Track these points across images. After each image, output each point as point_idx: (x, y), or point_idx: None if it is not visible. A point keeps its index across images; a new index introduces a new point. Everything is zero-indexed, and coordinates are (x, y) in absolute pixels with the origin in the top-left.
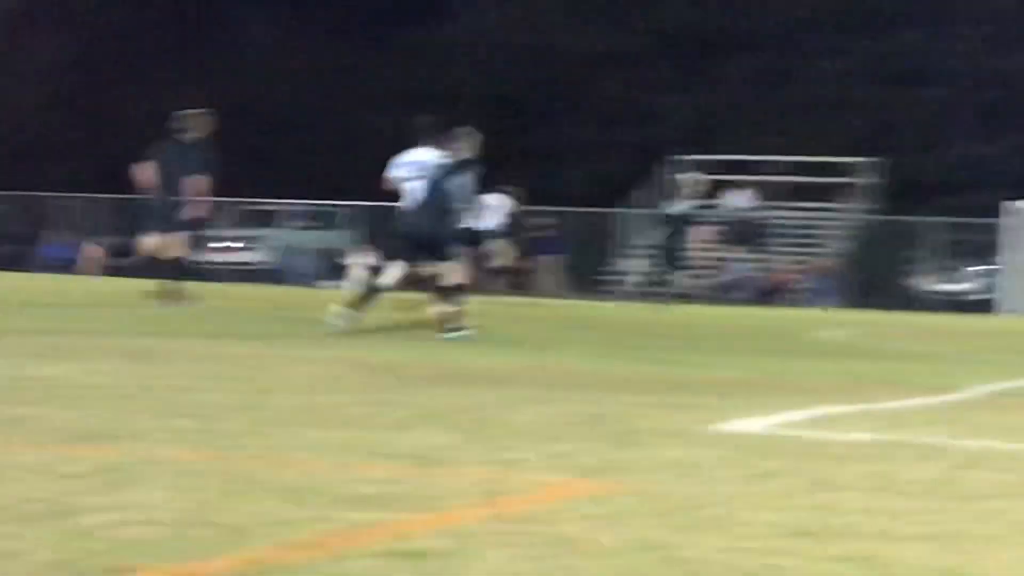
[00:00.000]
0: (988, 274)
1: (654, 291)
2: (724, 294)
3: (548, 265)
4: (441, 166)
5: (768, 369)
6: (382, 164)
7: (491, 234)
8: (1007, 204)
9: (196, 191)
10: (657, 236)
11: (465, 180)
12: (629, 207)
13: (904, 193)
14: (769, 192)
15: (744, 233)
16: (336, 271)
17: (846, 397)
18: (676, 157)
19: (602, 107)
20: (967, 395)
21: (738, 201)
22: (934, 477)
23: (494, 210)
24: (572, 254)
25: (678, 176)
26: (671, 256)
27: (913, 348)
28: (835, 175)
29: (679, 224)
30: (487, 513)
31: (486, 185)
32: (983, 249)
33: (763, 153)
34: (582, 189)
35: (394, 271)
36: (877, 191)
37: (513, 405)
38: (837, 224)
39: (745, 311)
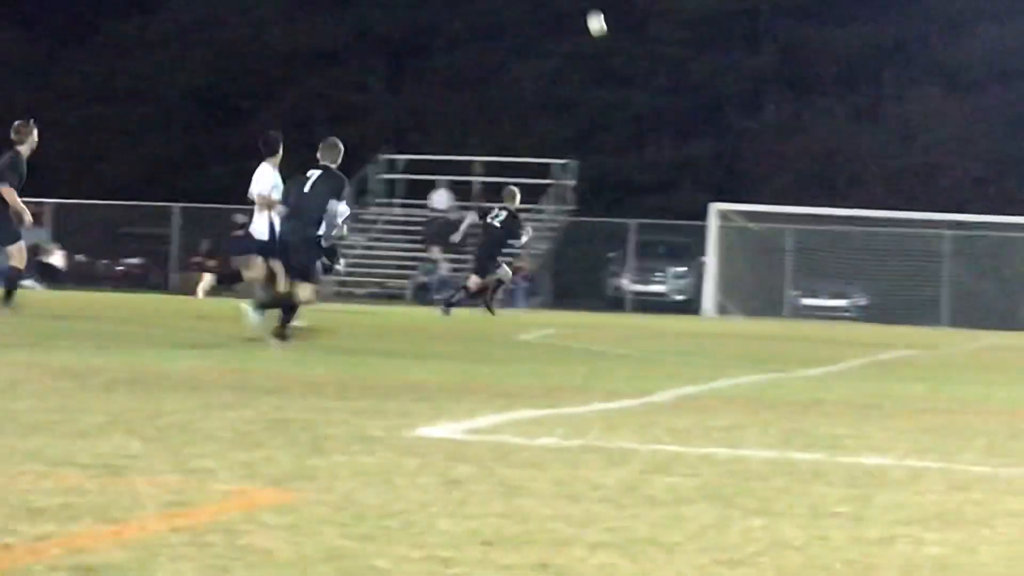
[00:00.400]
0: (691, 275)
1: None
2: (425, 295)
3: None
4: (306, 178)
5: (463, 372)
6: (73, 160)
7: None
8: (712, 206)
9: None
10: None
11: (328, 190)
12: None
13: (608, 194)
14: (469, 192)
15: (444, 234)
16: (30, 268)
17: (541, 401)
18: (380, 157)
19: (303, 105)
20: (659, 398)
21: (438, 202)
22: (621, 482)
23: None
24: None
25: (510, 187)
26: (485, 263)
27: (611, 350)
28: (537, 176)
29: (497, 232)
30: (170, 525)
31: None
32: (687, 250)
33: (465, 153)
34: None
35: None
36: (578, 192)
37: (202, 411)
38: (538, 225)
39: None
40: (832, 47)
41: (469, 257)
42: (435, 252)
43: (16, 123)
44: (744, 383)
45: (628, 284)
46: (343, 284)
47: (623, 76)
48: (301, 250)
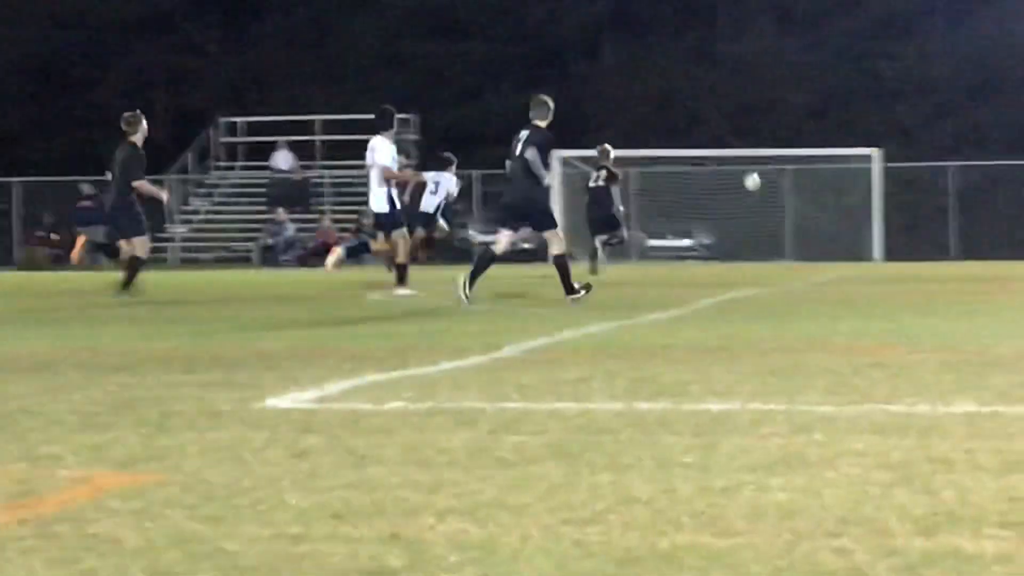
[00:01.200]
0: None
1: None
2: (271, 257)
3: (86, 236)
4: (517, 140)
5: (312, 337)
6: None
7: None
8: (555, 152)
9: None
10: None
11: (538, 148)
12: (183, 173)
13: (451, 146)
14: (312, 152)
15: (287, 195)
16: None
17: (389, 363)
18: (220, 120)
19: (140, 71)
20: (508, 353)
21: (280, 162)
22: (469, 444)
23: (441, 187)
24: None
25: (604, 146)
26: (599, 224)
27: (460, 306)
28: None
29: (599, 194)
30: (16, 516)
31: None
32: None
33: (306, 113)
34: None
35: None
36: (420, 146)
37: (48, 394)
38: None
39: (290, 275)
40: None
41: (315, 216)
42: (280, 213)
43: (126, 114)
44: (592, 332)
45: (475, 235)
46: (188, 250)
47: (461, 27)
48: (529, 208)
